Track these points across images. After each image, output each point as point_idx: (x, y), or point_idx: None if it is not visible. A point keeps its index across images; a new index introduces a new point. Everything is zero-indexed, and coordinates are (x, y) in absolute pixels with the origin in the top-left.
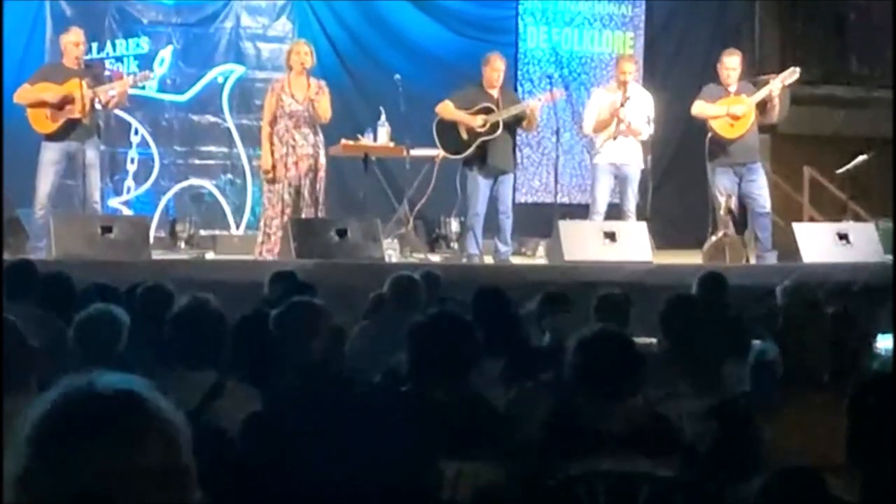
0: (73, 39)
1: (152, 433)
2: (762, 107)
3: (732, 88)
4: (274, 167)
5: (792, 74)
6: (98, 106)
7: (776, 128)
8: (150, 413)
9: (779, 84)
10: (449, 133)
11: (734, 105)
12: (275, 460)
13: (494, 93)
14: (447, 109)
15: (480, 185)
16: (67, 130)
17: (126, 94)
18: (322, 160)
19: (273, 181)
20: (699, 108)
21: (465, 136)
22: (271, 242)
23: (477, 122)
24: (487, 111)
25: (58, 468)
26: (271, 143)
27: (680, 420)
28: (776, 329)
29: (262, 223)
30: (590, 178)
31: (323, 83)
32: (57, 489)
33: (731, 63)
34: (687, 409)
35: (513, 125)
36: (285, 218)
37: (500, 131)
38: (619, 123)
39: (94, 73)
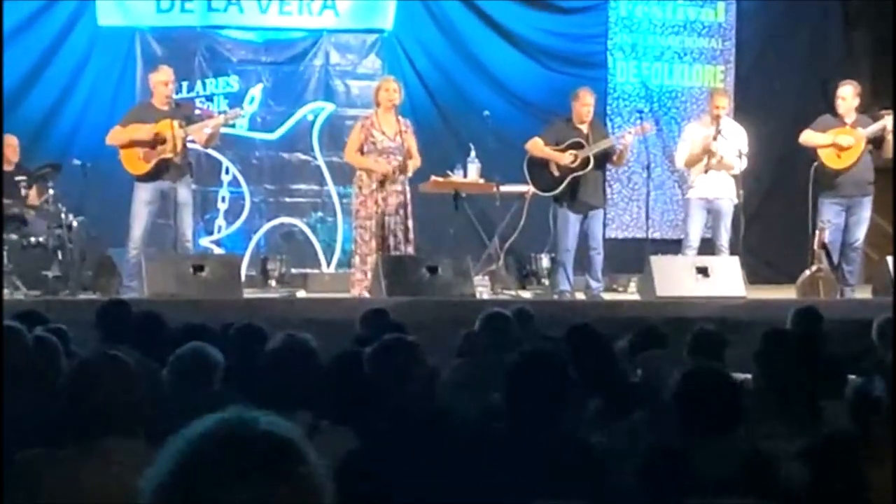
0: (163, 79)
1: (299, 486)
2: (878, 142)
3: (849, 120)
4: (365, 203)
5: None
6: (197, 145)
7: None
8: (302, 466)
9: (892, 120)
10: (540, 170)
11: (841, 136)
12: (371, 502)
13: (584, 128)
14: (537, 147)
15: (570, 221)
16: (160, 171)
17: (219, 132)
18: (409, 195)
19: (366, 217)
20: (807, 136)
21: (556, 172)
22: (368, 279)
23: (567, 158)
24: (577, 146)
25: (198, 488)
26: (368, 164)
27: (777, 459)
28: (875, 364)
29: (356, 260)
30: (681, 213)
31: (409, 122)
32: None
33: (843, 93)
34: (784, 447)
35: (602, 160)
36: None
37: (590, 167)
38: (711, 157)
39: (184, 112)
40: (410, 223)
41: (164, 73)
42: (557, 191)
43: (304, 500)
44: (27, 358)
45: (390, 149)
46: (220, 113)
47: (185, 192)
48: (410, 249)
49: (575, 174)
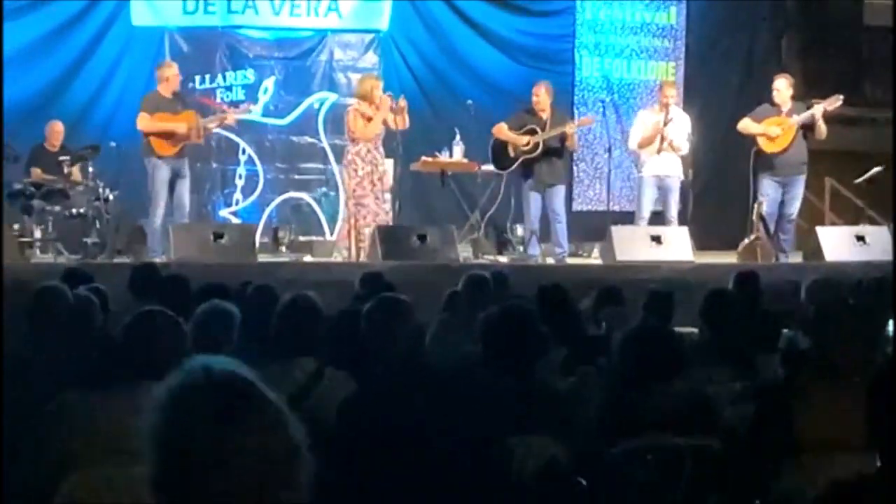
0: (175, 72)
1: (256, 409)
2: (810, 128)
3: (784, 109)
4: (361, 184)
5: (835, 101)
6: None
7: None
8: (254, 393)
9: (821, 109)
10: (500, 151)
11: (771, 126)
12: (367, 437)
13: (544, 115)
14: (500, 131)
15: (531, 197)
16: (179, 152)
17: (223, 124)
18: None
19: (362, 195)
20: (743, 124)
21: (512, 154)
22: (367, 245)
23: (521, 141)
24: (532, 132)
25: (181, 429)
26: (372, 129)
27: (719, 401)
28: (803, 320)
29: (354, 231)
30: (637, 189)
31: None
32: (181, 444)
33: (778, 85)
34: (725, 391)
35: (558, 145)
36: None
37: (540, 150)
38: (662, 141)
39: (188, 100)
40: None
41: (174, 67)
42: (510, 169)
43: (264, 424)
44: (68, 313)
45: (377, 136)
46: (229, 104)
47: (186, 169)
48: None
49: (526, 157)
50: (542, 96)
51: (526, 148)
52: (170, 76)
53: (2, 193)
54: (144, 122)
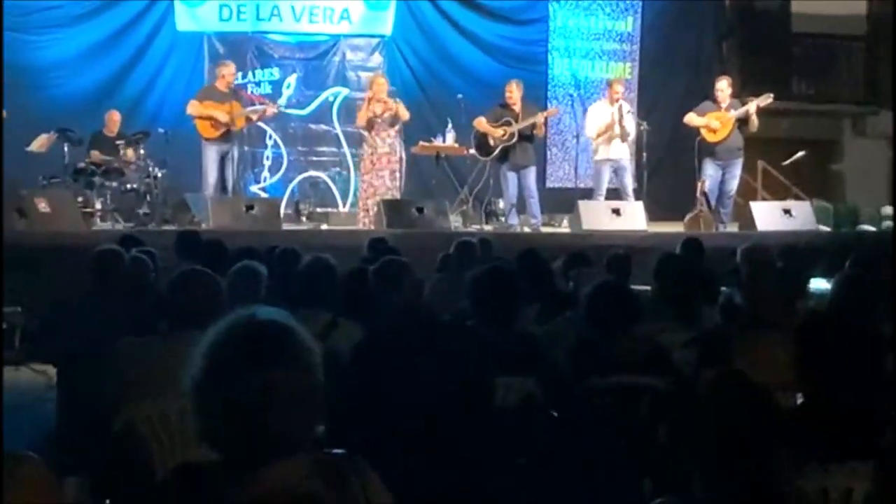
0: (231, 70)
1: (295, 353)
2: (744, 121)
3: (724, 105)
4: (370, 162)
5: (766, 99)
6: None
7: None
8: (294, 338)
9: (755, 105)
10: (481, 141)
11: (713, 119)
12: (374, 377)
13: (516, 108)
14: (480, 123)
15: (509, 177)
16: (223, 136)
17: (264, 116)
18: (399, 153)
19: (366, 171)
20: (688, 118)
21: (491, 143)
22: (370, 216)
23: (498, 133)
24: (507, 124)
25: (224, 374)
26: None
27: (670, 347)
28: (738, 279)
29: (362, 203)
30: (594, 171)
31: (396, 99)
32: (222, 391)
33: (720, 85)
34: (674, 339)
35: (527, 133)
36: (377, 199)
37: (515, 139)
38: (623, 131)
39: (239, 96)
40: (400, 174)
41: (231, 67)
42: (492, 157)
43: (299, 365)
44: (124, 271)
45: (380, 123)
46: (265, 96)
47: (234, 151)
48: (398, 194)
49: (504, 144)
50: (513, 92)
51: (503, 137)
52: (224, 73)
53: (2, 185)
54: (191, 107)
